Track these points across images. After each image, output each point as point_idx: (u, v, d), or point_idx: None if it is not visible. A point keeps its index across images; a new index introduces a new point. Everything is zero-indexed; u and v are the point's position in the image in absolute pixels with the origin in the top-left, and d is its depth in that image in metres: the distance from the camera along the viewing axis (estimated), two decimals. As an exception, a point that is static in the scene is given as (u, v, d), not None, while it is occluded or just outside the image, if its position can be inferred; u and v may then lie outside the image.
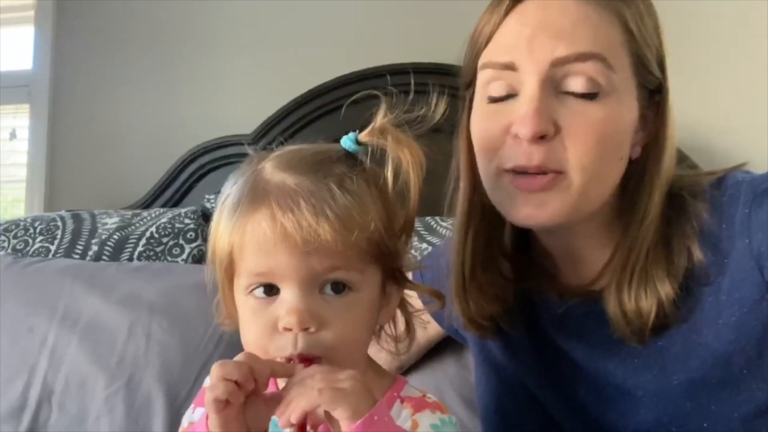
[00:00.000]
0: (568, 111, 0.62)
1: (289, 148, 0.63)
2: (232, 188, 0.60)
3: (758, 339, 0.63)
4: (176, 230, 1.43)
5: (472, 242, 0.72)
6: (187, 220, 1.46)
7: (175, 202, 1.67)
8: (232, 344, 1.10)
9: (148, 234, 1.42)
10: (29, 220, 1.51)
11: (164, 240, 1.41)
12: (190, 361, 1.09)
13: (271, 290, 0.57)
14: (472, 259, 0.72)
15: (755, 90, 1.38)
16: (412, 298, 0.70)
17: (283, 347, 0.56)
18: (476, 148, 0.69)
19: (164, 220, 1.45)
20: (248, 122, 1.60)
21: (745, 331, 0.63)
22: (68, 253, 1.41)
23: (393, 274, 0.62)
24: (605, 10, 0.63)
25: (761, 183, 0.64)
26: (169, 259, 1.39)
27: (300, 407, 0.50)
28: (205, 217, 1.51)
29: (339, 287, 0.57)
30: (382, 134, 0.60)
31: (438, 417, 0.60)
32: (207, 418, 0.52)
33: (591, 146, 0.62)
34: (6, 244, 1.44)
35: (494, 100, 0.66)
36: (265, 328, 0.57)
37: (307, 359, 0.55)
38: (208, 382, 0.67)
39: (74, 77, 1.89)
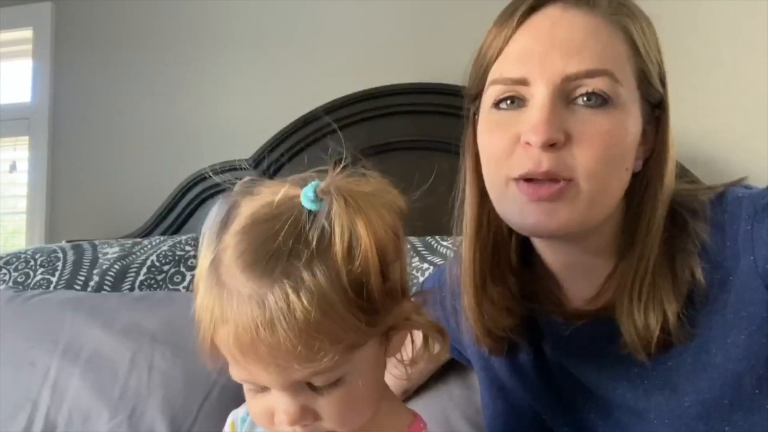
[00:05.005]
0: (578, 120, 0.63)
1: (248, 219, 0.55)
2: (203, 252, 0.56)
3: None
4: (177, 258, 1.43)
5: (480, 256, 0.73)
6: (187, 247, 1.45)
7: (176, 229, 1.67)
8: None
9: (149, 263, 1.42)
10: (30, 252, 1.51)
11: (165, 268, 1.41)
12: (193, 390, 1.08)
13: (264, 387, 0.55)
14: (481, 272, 0.73)
15: (754, 103, 1.38)
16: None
17: None
18: (484, 159, 0.69)
19: (165, 247, 1.45)
20: (247, 146, 1.61)
21: (754, 349, 0.62)
22: (69, 285, 1.40)
23: (393, 327, 0.58)
24: (612, 24, 0.64)
25: (762, 198, 0.63)
26: (170, 287, 1.39)
27: None
28: (206, 243, 1.50)
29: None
30: (332, 198, 0.53)
31: None
32: None
33: (600, 154, 0.62)
34: (7, 277, 1.44)
35: (503, 109, 0.66)
36: (264, 417, 0.56)
37: None
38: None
39: (73, 109, 1.91)
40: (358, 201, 0.53)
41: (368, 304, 0.52)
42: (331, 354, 0.50)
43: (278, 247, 0.51)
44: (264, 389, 0.55)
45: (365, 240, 0.51)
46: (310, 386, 0.54)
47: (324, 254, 0.51)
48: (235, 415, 0.68)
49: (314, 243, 0.51)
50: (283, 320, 0.49)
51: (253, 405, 0.57)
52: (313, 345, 0.49)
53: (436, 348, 0.62)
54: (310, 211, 0.53)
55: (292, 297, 0.49)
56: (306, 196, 0.53)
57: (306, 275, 0.50)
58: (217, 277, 0.53)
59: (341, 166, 0.56)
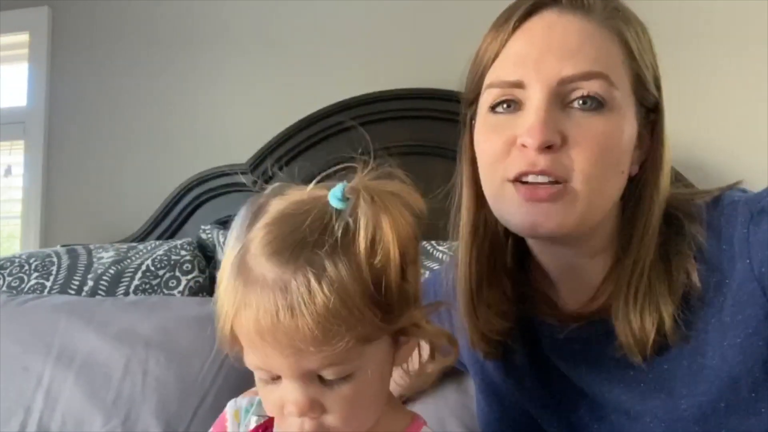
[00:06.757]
0: (574, 123, 0.63)
1: (277, 214, 0.57)
2: (230, 247, 0.58)
3: (765, 360, 0.62)
4: (172, 262, 1.42)
5: (477, 260, 0.73)
6: (183, 252, 1.45)
7: (172, 234, 1.67)
8: (230, 377, 1.09)
9: (144, 267, 1.41)
10: (24, 256, 1.50)
11: (160, 273, 1.40)
12: (187, 395, 1.07)
13: (276, 377, 0.57)
14: (477, 276, 0.73)
15: (749, 108, 1.39)
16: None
17: (292, 426, 0.57)
18: (480, 162, 0.69)
19: (160, 252, 1.45)
20: (243, 151, 1.61)
21: (751, 352, 0.62)
22: (64, 289, 1.40)
23: (403, 331, 0.59)
24: (606, 29, 0.65)
25: (758, 202, 0.64)
26: (165, 291, 1.38)
27: None
28: (201, 247, 1.50)
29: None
30: (359, 195, 0.55)
31: None
32: None
33: (595, 157, 0.62)
34: (1, 282, 1.43)
35: (500, 113, 0.66)
36: (275, 408, 0.58)
37: None
38: None
39: (68, 113, 1.91)
40: (384, 200, 0.55)
41: (384, 300, 0.54)
42: (345, 341, 0.52)
43: (303, 238, 0.54)
44: (275, 380, 0.56)
45: (388, 236, 0.54)
46: (321, 380, 0.55)
47: (347, 247, 0.53)
48: (238, 405, 0.69)
49: (339, 235, 0.53)
50: (303, 305, 0.51)
51: (264, 396, 0.59)
52: (330, 330, 0.51)
53: (445, 358, 0.64)
54: (336, 208, 0.55)
55: (314, 284, 0.51)
56: (334, 195, 0.55)
57: (328, 265, 0.52)
58: (243, 265, 0.56)
59: (369, 167, 0.59)
